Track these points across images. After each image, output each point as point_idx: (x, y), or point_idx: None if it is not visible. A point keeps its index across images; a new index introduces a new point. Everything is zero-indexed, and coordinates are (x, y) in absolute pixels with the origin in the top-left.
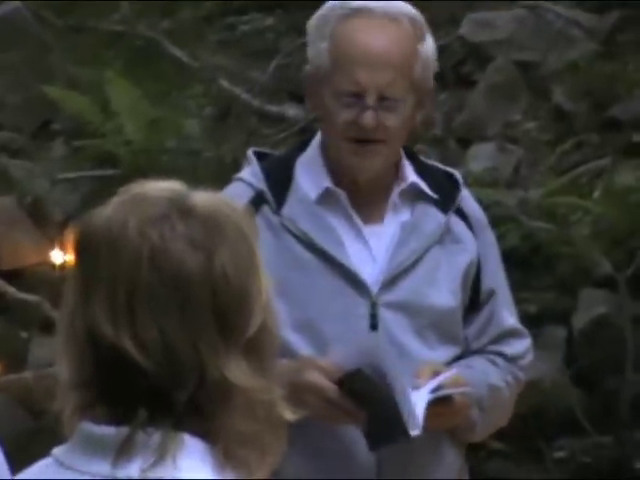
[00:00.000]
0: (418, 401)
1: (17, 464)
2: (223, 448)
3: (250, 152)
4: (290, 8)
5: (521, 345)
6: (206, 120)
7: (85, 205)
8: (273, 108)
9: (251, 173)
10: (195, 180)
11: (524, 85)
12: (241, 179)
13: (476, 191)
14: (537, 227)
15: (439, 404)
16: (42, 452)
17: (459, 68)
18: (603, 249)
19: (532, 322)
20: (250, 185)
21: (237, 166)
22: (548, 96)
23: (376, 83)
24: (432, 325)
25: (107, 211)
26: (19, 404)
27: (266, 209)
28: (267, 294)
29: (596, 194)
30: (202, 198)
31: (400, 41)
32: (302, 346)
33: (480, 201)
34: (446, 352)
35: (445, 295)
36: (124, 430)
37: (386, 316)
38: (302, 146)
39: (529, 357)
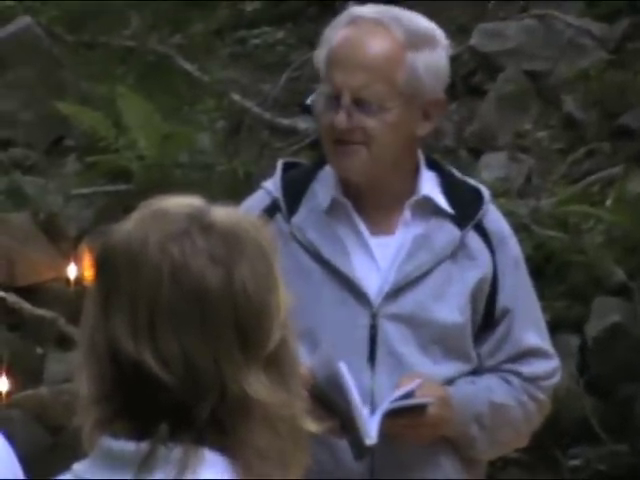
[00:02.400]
0: (379, 411)
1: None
2: (244, 463)
3: (279, 162)
4: (301, 21)
5: (543, 366)
6: (218, 134)
7: (99, 220)
8: (284, 121)
9: (272, 182)
10: (208, 194)
11: (535, 94)
12: (263, 187)
13: None
14: (549, 236)
15: (410, 413)
16: (59, 467)
17: (470, 78)
18: (616, 257)
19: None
20: (269, 193)
21: (250, 179)
22: (559, 105)
23: (349, 84)
24: (437, 340)
25: (127, 227)
26: (35, 420)
27: (279, 217)
28: (287, 309)
29: (608, 202)
30: (222, 214)
31: (381, 46)
32: (302, 355)
33: None
34: (452, 368)
35: (451, 310)
36: (145, 445)
37: (387, 328)
38: (326, 158)
39: (554, 379)
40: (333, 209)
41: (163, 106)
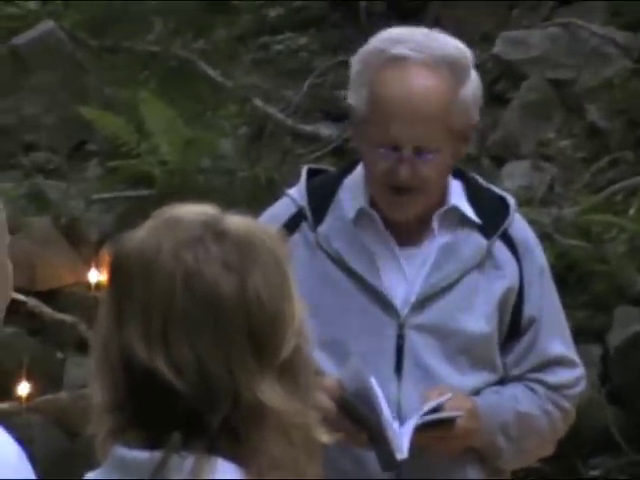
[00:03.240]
0: (409, 425)
1: None
2: (256, 472)
3: (304, 169)
4: (324, 27)
5: (568, 374)
6: (240, 140)
7: (120, 225)
8: (307, 127)
9: (297, 189)
10: (230, 200)
11: (558, 103)
12: (288, 194)
13: None
14: (572, 245)
15: (439, 427)
16: (78, 472)
17: (493, 86)
18: (638, 267)
19: None
20: (294, 201)
21: (272, 185)
22: (582, 114)
23: (412, 137)
24: (463, 350)
25: (141, 234)
26: (55, 425)
27: (305, 226)
28: (301, 318)
29: (631, 212)
30: (235, 221)
31: (437, 92)
32: (327, 364)
33: None
34: (478, 378)
35: (478, 320)
36: (158, 454)
37: (413, 338)
38: (352, 166)
39: (579, 387)
40: (360, 219)
41: (185, 111)
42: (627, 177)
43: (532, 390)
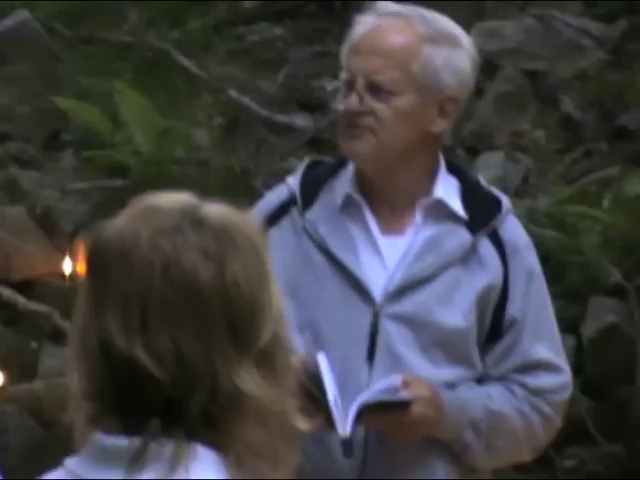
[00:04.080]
0: (356, 403)
1: (27, 474)
2: (235, 458)
3: (306, 160)
4: (299, 18)
5: (551, 379)
6: (215, 130)
7: (95, 215)
8: (282, 118)
9: (294, 177)
10: (204, 190)
11: (533, 94)
12: (285, 181)
13: None
14: (546, 236)
15: (392, 411)
16: (52, 462)
17: None
18: (612, 258)
19: None
20: (288, 187)
21: (246, 176)
22: (557, 105)
23: (364, 69)
24: (439, 343)
25: (118, 223)
26: (30, 414)
27: (294, 211)
28: (279, 305)
29: (605, 203)
30: (214, 209)
31: (398, 34)
32: (301, 347)
33: None
34: (453, 372)
35: (456, 315)
36: (137, 441)
37: (388, 327)
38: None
39: (563, 394)
40: (347, 206)
41: (160, 102)
42: (601, 168)
43: (510, 391)
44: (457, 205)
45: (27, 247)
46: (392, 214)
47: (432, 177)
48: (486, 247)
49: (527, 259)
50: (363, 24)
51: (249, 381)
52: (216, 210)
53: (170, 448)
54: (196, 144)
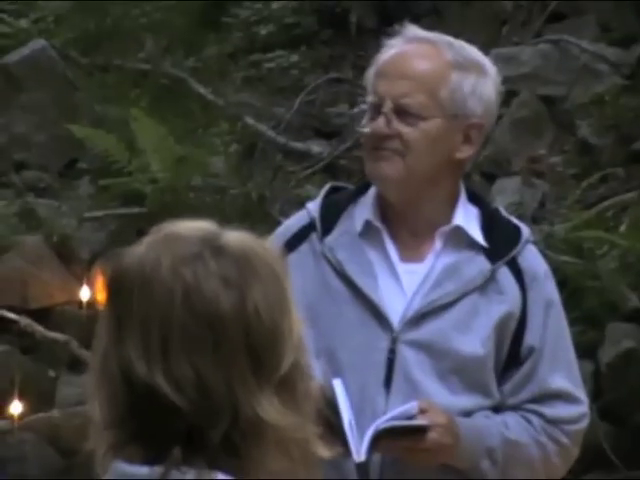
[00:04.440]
0: (372, 429)
1: None
2: None
3: (327, 185)
4: (315, 45)
5: (569, 409)
6: (231, 157)
7: (112, 243)
8: (298, 145)
9: (314, 202)
10: (221, 217)
11: (549, 119)
12: (306, 207)
13: None
14: (563, 261)
15: (408, 437)
16: None
17: None
18: (630, 283)
19: None
20: (308, 213)
21: (263, 202)
22: (573, 130)
23: (392, 92)
24: (457, 370)
25: (139, 250)
26: (47, 443)
27: (314, 236)
28: (299, 332)
29: (622, 228)
30: (234, 237)
31: (427, 59)
32: (319, 373)
33: None
34: (470, 400)
35: (474, 342)
36: (158, 469)
37: (405, 353)
38: (369, 184)
39: (581, 424)
40: (366, 232)
41: (177, 129)
42: (618, 193)
43: (527, 420)
44: (477, 233)
45: (44, 275)
46: (411, 241)
47: (453, 205)
48: (505, 275)
49: (546, 288)
50: (391, 48)
51: (270, 409)
52: (236, 238)
53: (191, 476)
54: (213, 171)
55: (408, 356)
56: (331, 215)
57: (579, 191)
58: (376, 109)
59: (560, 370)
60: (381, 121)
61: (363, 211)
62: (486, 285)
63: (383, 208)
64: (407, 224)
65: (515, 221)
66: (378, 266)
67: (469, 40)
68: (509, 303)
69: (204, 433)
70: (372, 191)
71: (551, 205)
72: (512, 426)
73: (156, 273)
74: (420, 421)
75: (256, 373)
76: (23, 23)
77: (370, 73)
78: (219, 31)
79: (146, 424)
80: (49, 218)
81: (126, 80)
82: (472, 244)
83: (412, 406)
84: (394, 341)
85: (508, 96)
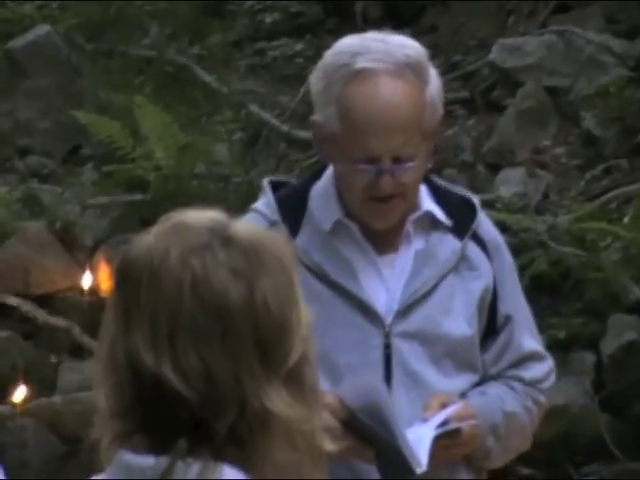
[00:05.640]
0: (424, 437)
1: None
2: (262, 478)
3: (265, 182)
4: (320, 33)
5: (541, 368)
6: (235, 145)
7: (115, 230)
8: (302, 133)
9: (265, 203)
10: (225, 205)
11: (554, 110)
12: (256, 210)
13: (505, 216)
14: (566, 253)
15: (446, 437)
16: (71, 476)
17: (489, 93)
18: (633, 275)
19: (561, 347)
20: (264, 216)
21: None
22: (578, 122)
23: (390, 148)
24: (448, 354)
25: (148, 240)
26: (48, 429)
27: None
28: (307, 324)
29: (626, 220)
30: (242, 228)
31: (408, 99)
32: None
33: (508, 227)
34: (463, 380)
35: (461, 323)
36: (163, 460)
37: (400, 346)
38: (317, 175)
39: (551, 380)
40: (336, 230)
41: (181, 116)
42: (622, 185)
43: (511, 387)
44: (439, 213)
45: (47, 262)
46: (383, 233)
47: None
48: (472, 250)
49: (506, 254)
50: (351, 89)
51: (277, 401)
52: (244, 228)
53: (197, 468)
54: (216, 159)
55: (403, 348)
56: (293, 215)
57: (583, 182)
58: (370, 163)
59: (527, 331)
60: (389, 181)
61: (328, 210)
62: (458, 264)
63: (348, 206)
64: None
65: (458, 190)
66: (356, 262)
67: (474, 30)
68: (485, 278)
69: (210, 424)
70: (328, 183)
71: (555, 196)
72: (506, 398)
73: (165, 263)
74: (461, 422)
75: (264, 365)
76: (27, 9)
77: (329, 113)
78: (224, 19)
79: (152, 414)
80: (52, 204)
81: (130, 67)
82: (437, 224)
83: (452, 410)
84: (387, 336)
85: (513, 87)
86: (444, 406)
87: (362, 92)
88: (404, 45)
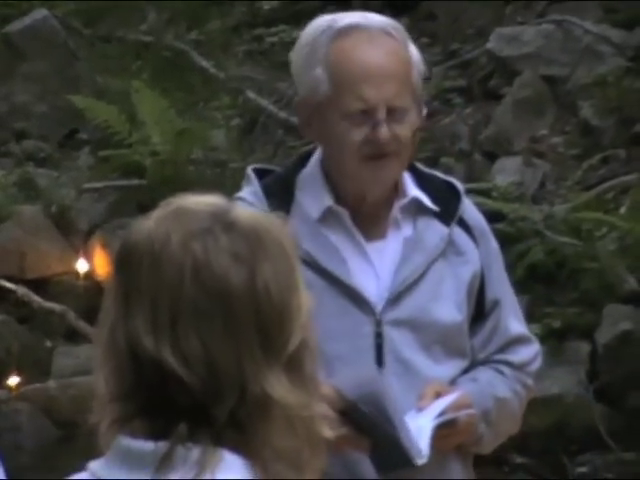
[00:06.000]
0: (423, 428)
1: (40, 472)
2: (261, 463)
3: (249, 170)
4: None
5: (528, 351)
6: (232, 131)
7: (111, 215)
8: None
9: (252, 192)
10: (221, 191)
11: (551, 100)
12: (242, 198)
13: (502, 205)
14: (562, 242)
15: (444, 427)
16: (65, 460)
17: (486, 82)
18: (628, 265)
19: (556, 337)
20: (251, 205)
21: None
22: (575, 111)
23: (384, 97)
24: (438, 340)
25: (149, 224)
26: (43, 413)
27: None
28: (307, 310)
29: (622, 210)
30: (243, 213)
31: (397, 52)
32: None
33: (504, 215)
34: (453, 366)
35: (450, 310)
36: (163, 445)
37: (391, 334)
38: (302, 162)
39: (538, 363)
40: (326, 218)
41: (178, 102)
42: (619, 175)
43: (501, 373)
44: (425, 199)
45: (42, 246)
46: (371, 220)
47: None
48: (459, 235)
49: (492, 239)
50: (338, 46)
51: (278, 386)
52: (246, 213)
53: (196, 453)
54: (213, 145)
55: (394, 336)
56: (279, 205)
57: (580, 172)
58: (365, 116)
59: (514, 315)
60: (385, 129)
61: (316, 198)
62: (446, 249)
63: (343, 193)
64: (367, 205)
65: (441, 176)
66: (345, 250)
67: (473, 18)
68: (472, 263)
69: (210, 409)
70: (315, 171)
71: (551, 186)
72: (496, 384)
73: (166, 248)
74: (461, 412)
75: (265, 350)
76: None
77: (318, 73)
78: (222, 5)
79: (152, 399)
80: (48, 188)
81: (128, 52)
82: (423, 210)
83: (450, 399)
84: (378, 324)
85: (511, 76)
86: (438, 395)
87: (350, 45)
88: (382, 17)
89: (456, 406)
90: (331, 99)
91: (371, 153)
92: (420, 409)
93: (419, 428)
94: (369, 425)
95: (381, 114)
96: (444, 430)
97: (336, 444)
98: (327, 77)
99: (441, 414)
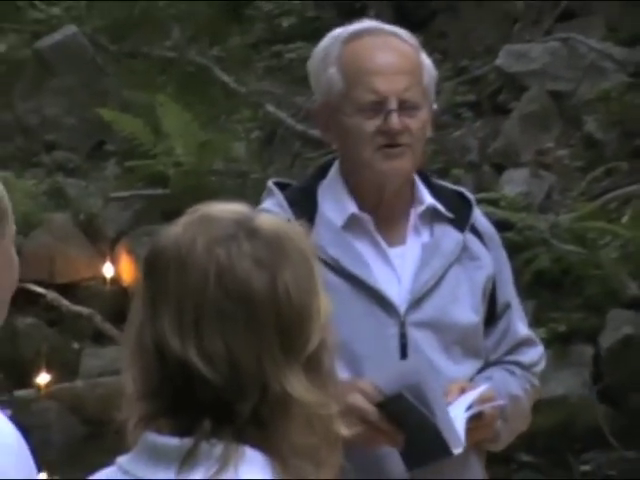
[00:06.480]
0: (457, 418)
1: (68, 468)
2: (281, 460)
3: (271, 183)
4: None
5: (535, 353)
6: (253, 143)
7: (136, 223)
8: (317, 133)
9: (276, 204)
10: (242, 200)
11: (557, 114)
12: (267, 210)
13: (509, 215)
14: (567, 250)
15: (472, 420)
16: (92, 457)
17: (495, 97)
18: (630, 272)
19: (561, 340)
20: (277, 215)
21: None
22: (580, 125)
23: (395, 88)
24: (457, 341)
25: (175, 230)
26: (70, 412)
27: None
28: (326, 312)
29: (625, 219)
30: (267, 220)
31: (408, 53)
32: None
33: (512, 224)
34: (470, 366)
35: (467, 312)
36: (188, 441)
37: (415, 335)
38: (321, 173)
39: (542, 364)
40: (349, 224)
41: (201, 115)
42: (621, 186)
43: (511, 373)
44: (440, 206)
45: (71, 252)
46: (391, 226)
47: (413, 182)
48: (472, 242)
49: (500, 245)
50: (351, 46)
51: (297, 385)
52: (269, 221)
53: (220, 449)
54: (234, 156)
55: (417, 337)
56: (303, 214)
57: (584, 183)
58: (377, 107)
59: (520, 317)
60: (395, 118)
61: (339, 206)
62: (461, 255)
63: (365, 199)
64: (385, 209)
65: (452, 186)
66: (368, 255)
67: (482, 37)
68: (486, 268)
69: (233, 407)
70: (336, 180)
71: (557, 196)
72: (509, 382)
73: (191, 253)
74: (492, 403)
75: (285, 350)
76: (56, 10)
77: (331, 72)
78: (243, 22)
79: (178, 397)
80: (77, 197)
81: (153, 67)
82: (439, 217)
83: (478, 392)
84: (402, 325)
85: (518, 91)
86: (463, 391)
87: (362, 45)
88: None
89: (482, 399)
90: (344, 95)
91: (385, 143)
92: (448, 404)
93: (454, 419)
94: (410, 416)
95: (392, 104)
96: (472, 423)
97: (370, 437)
98: (341, 75)
99: (469, 408)
